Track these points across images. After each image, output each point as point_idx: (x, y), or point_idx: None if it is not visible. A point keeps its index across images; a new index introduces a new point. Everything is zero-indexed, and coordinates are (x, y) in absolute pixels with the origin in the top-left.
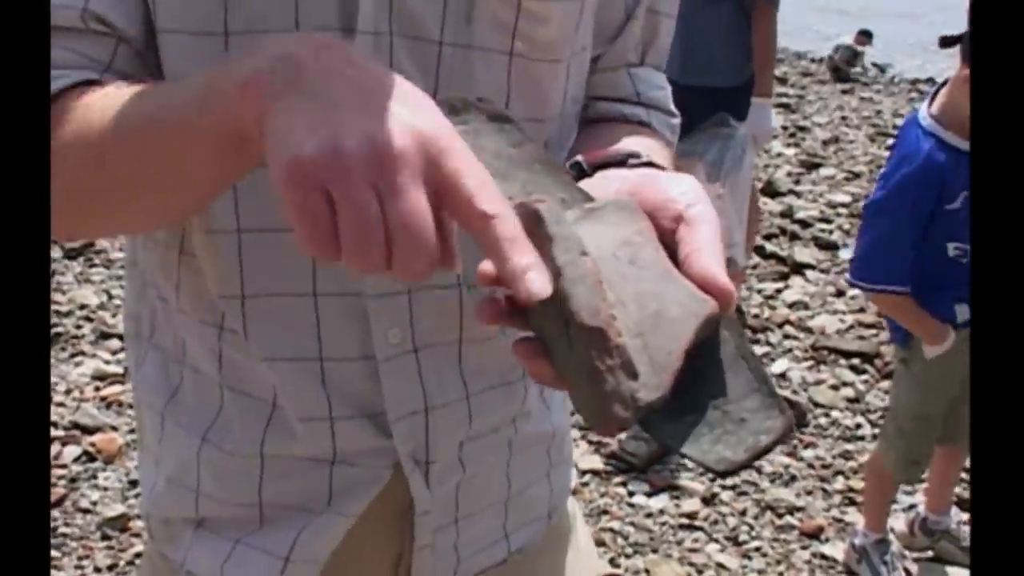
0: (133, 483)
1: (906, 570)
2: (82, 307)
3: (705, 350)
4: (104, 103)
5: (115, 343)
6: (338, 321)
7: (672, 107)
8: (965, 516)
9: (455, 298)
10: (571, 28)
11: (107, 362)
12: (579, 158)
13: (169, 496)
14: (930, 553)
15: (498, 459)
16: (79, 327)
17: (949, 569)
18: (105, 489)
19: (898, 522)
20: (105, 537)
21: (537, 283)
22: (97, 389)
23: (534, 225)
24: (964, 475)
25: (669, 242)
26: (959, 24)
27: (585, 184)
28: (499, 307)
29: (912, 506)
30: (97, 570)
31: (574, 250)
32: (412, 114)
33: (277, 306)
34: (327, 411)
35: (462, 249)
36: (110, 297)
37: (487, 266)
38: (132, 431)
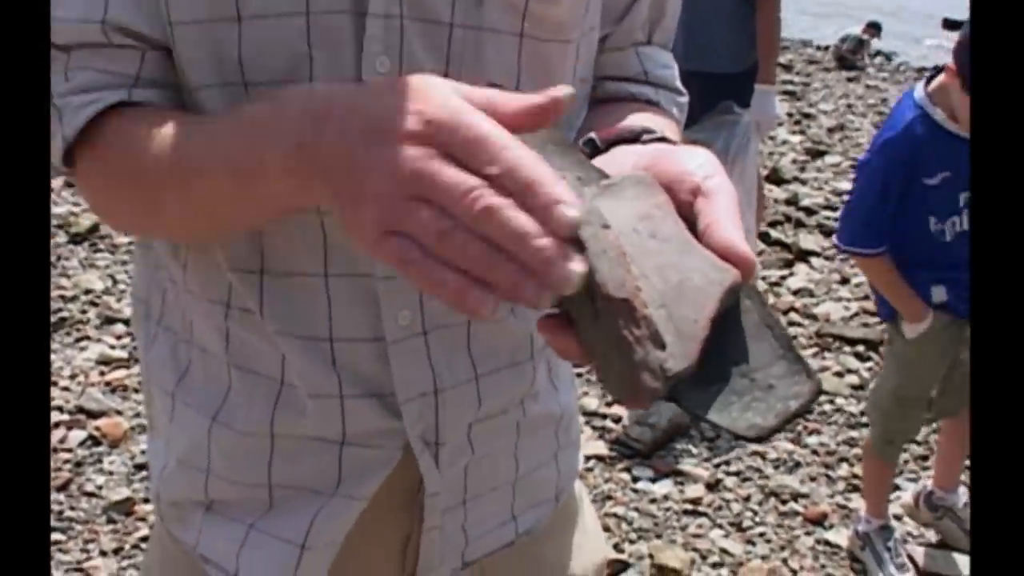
0: (138, 467)
1: (910, 556)
2: (87, 292)
3: (728, 320)
4: (144, 133)
5: (120, 328)
6: (349, 302)
7: (679, 85)
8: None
9: None
10: (581, 8)
11: (112, 347)
12: (592, 135)
13: (179, 477)
14: (934, 540)
15: (507, 440)
16: (84, 312)
17: (952, 555)
18: (110, 473)
19: (906, 495)
20: (111, 521)
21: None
22: (102, 374)
23: None
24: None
25: (687, 215)
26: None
27: (599, 161)
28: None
29: (918, 479)
30: (103, 553)
31: (595, 224)
32: (426, 104)
33: (291, 284)
34: (337, 389)
35: None
36: (115, 282)
37: None
38: (137, 415)
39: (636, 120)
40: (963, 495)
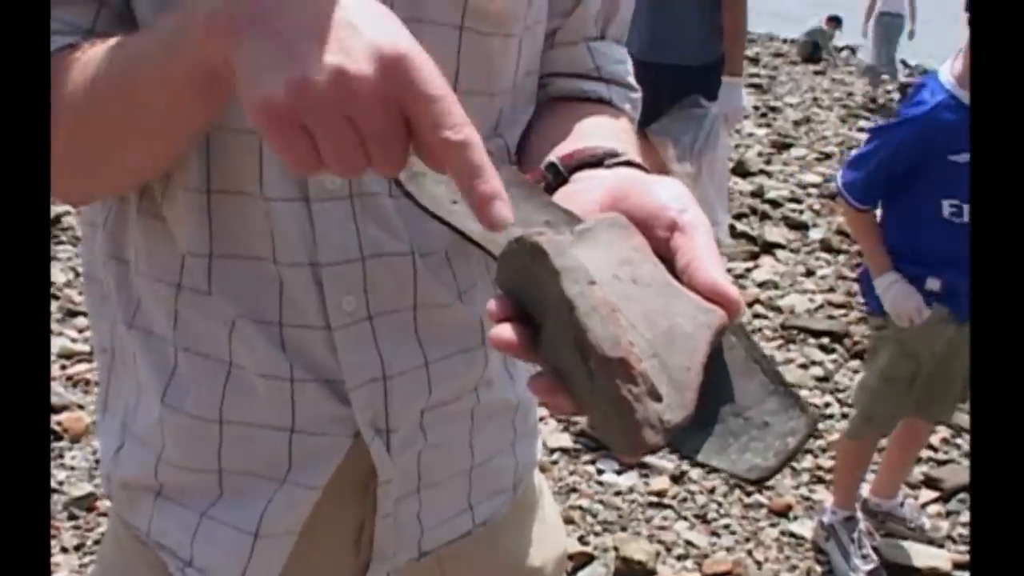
0: (99, 462)
1: (874, 548)
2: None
3: (716, 360)
4: (83, 62)
5: (82, 321)
6: (297, 289)
7: (633, 81)
8: (922, 496)
9: (409, 265)
10: (523, 2)
11: (74, 340)
12: (554, 159)
13: (131, 458)
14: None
15: (460, 428)
16: None
17: (916, 546)
18: (72, 468)
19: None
20: (72, 517)
21: (500, 212)
22: (63, 368)
23: (536, 259)
24: (930, 453)
25: (664, 252)
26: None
27: (564, 190)
28: (511, 342)
29: None
30: (64, 550)
31: (582, 281)
32: (373, 34)
33: (241, 268)
34: (288, 373)
35: (412, 217)
36: (76, 275)
37: (492, 305)
38: None
39: (596, 137)
40: (900, 498)
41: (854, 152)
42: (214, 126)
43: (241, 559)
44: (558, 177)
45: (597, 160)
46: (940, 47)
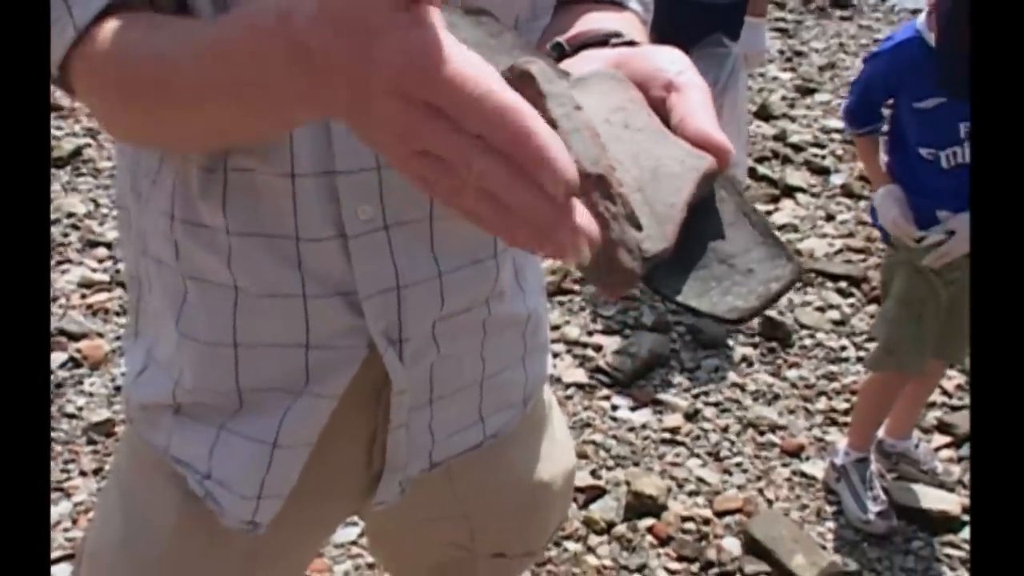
0: (119, 389)
1: (884, 489)
2: (69, 215)
3: (705, 208)
4: (161, 36)
5: (102, 251)
6: (313, 199)
7: None
8: (934, 441)
9: None
10: None
11: (94, 270)
12: (559, 39)
13: (153, 381)
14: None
15: (472, 339)
16: (66, 235)
17: (926, 489)
18: (91, 395)
19: None
20: (91, 442)
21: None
22: (83, 296)
23: (526, 84)
24: (944, 398)
25: (660, 111)
26: None
27: (567, 64)
28: None
29: None
30: (83, 474)
31: (568, 105)
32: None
33: (255, 184)
34: (300, 289)
35: None
36: (97, 206)
37: None
38: (118, 338)
39: (602, 23)
40: (915, 439)
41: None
42: None
43: (259, 469)
44: (562, 54)
45: (601, 39)
46: None
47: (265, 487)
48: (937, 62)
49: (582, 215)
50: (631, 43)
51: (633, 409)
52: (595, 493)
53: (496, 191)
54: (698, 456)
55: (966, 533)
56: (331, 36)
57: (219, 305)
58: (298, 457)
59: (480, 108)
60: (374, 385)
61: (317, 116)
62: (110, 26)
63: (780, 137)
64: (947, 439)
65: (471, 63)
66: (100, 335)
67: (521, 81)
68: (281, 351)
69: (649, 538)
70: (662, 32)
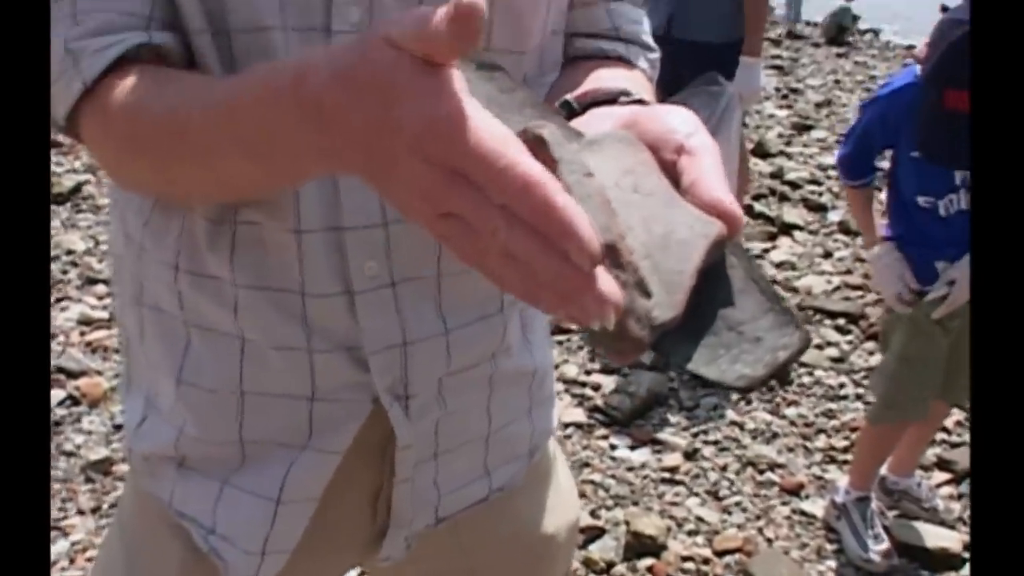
0: (117, 427)
1: (885, 527)
2: (68, 252)
3: (714, 274)
4: (177, 88)
5: (101, 288)
6: (319, 254)
7: (650, 41)
8: (935, 478)
9: None
10: None
11: (93, 307)
12: (568, 97)
13: (154, 432)
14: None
15: (478, 395)
16: (65, 272)
17: (927, 527)
18: (89, 433)
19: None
20: (89, 480)
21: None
22: (83, 334)
23: (538, 149)
24: (944, 435)
25: (671, 173)
26: None
27: (576, 123)
28: None
29: None
30: (80, 512)
31: (579, 172)
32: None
33: (263, 237)
34: (306, 343)
35: None
36: (96, 243)
37: None
38: (117, 376)
39: (611, 81)
40: (917, 478)
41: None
42: None
43: (264, 525)
44: (571, 113)
45: (611, 98)
46: None
47: (270, 543)
48: (915, 125)
49: (607, 282)
50: (640, 101)
51: (632, 448)
52: (594, 533)
53: (522, 258)
54: (697, 495)
55: (967, 570)
56: (348, 98)
57: (225, 353)
58: (303, 513)
59: (504, 180)
60: (379, 440)
61: (333, 172)
62: (121, 79)
63: (777, 174)
64: (947, 476)
65: (494, 133)
66: (99, 373)
67: (533, 145)
68: (286, 402)
69: None
70: (664, 71)
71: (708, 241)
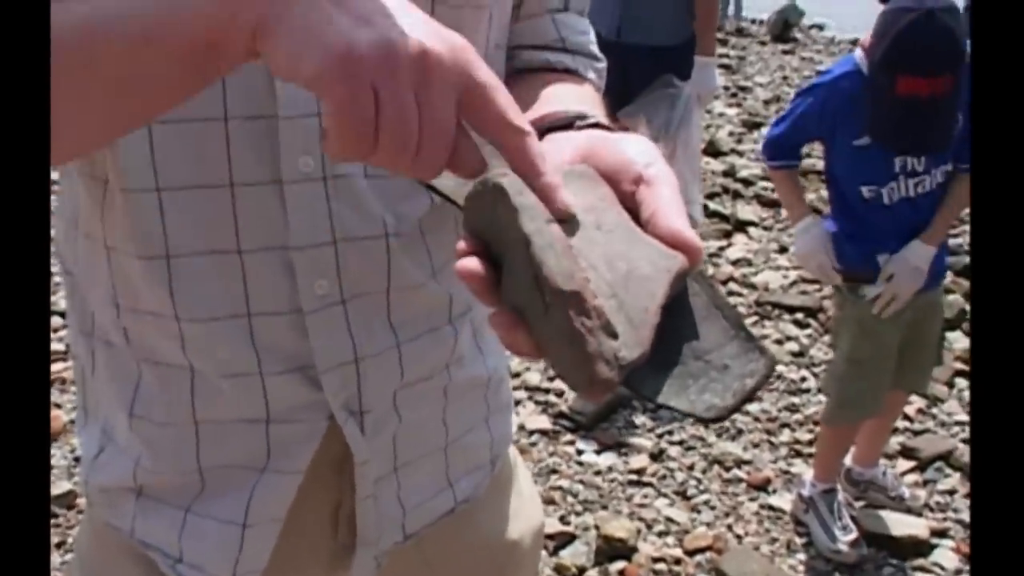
0: (78, 460)
1: (852, 518)
2: None
3: (678, 306)
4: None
5: (57, 320)
6: (265, 276)
7: (597, 51)
8: (899, 466)
9: (382, 248)
10: None
11: (49, 340)
12: None
13: (108, 464)
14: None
15: (434, 406)
16: None
17: (894, 515)
18: (51, 467)
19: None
20: (52, 515)
21: (566, 198)
22: None
23: (498, 198)
24: (906, 423)
25: (630, 204)
26: None
27: None
28: (475, 273)
29: None
30: None
31: (539, 219)
32: (443, 28)
33: (203, 264)
34: (256, 367)
35: (385, 197)
36: (51, 274)
37: (460, 243)
38: (75, 408)
39: (566, 102)
40: (882, 467)
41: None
42: (163, 120)
43: (232, 550)
44: None
45: (567, 122)
46: None
47: (239, 566)
48: (865, 113)
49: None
50: (596, 125)
51: (598, 452)
52: (565, 539)
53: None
54: (666, 496)
55: (936, 556)
56: None
57: (176, 387)
58: (270, 533)
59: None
60: (335, 457)
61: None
62: None
63: (729, 172)
64: (911, 463)
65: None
66: (58, 406)
67: (493, 195)
68: (241, 426)
69: None
70: (613, 77)
71: (671, 275)
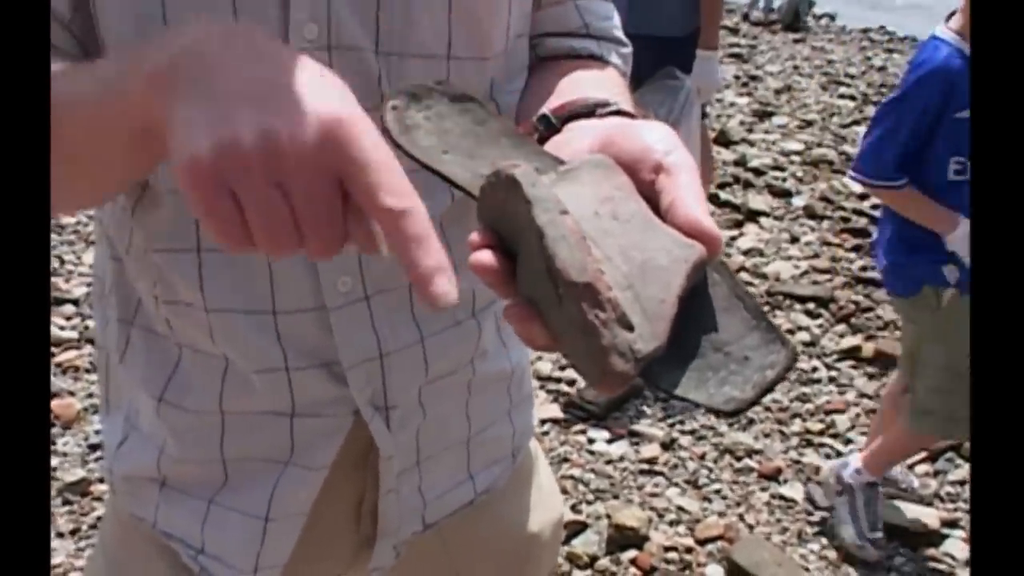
0: (92, 447)
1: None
2: None
3: (698, 295)
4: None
5: (69, 308)
6: (290, 273)
7: (622, 36)
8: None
9: None
10: None
11: (62, 328)
12: (546, 111)
13: (135, 452)
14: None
15: (457, 400)
16: None
17: (906, 505)
18: (64, 454)
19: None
20: (66, 502)
21: (443, 288)
22: (52, 355)
23: (511, 190)
24: None
25: (649, 193)
26: None
27: (555, 139)
28: (490, 266)
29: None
30: (59, 535)
31: (553, 210)
32: (316, 102)
33: (230, 259)
34: (283, 363)
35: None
36: (62, 262)
37: (474, 236)
38: (89, 396)
39: (588, 88)
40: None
41: (868, 140)
42: None
43: (254, 543)
44: (550, 128)
45: (588, 110)
46: None
47: (261, 559)
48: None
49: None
50: (618, 112)
51: (610, 441)
52: (576, 528)
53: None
54: (677, 485)
55: (947, 546)
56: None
57: (210, 374)
58: (293, 528)
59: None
60: (360, 451)
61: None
62: None
63: (740, 162)
64: (922, 454)
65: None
66: (71, 393)
67: (507, 188)
68: (267, 419)
69: (632, 570)
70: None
71: (688, 266)
